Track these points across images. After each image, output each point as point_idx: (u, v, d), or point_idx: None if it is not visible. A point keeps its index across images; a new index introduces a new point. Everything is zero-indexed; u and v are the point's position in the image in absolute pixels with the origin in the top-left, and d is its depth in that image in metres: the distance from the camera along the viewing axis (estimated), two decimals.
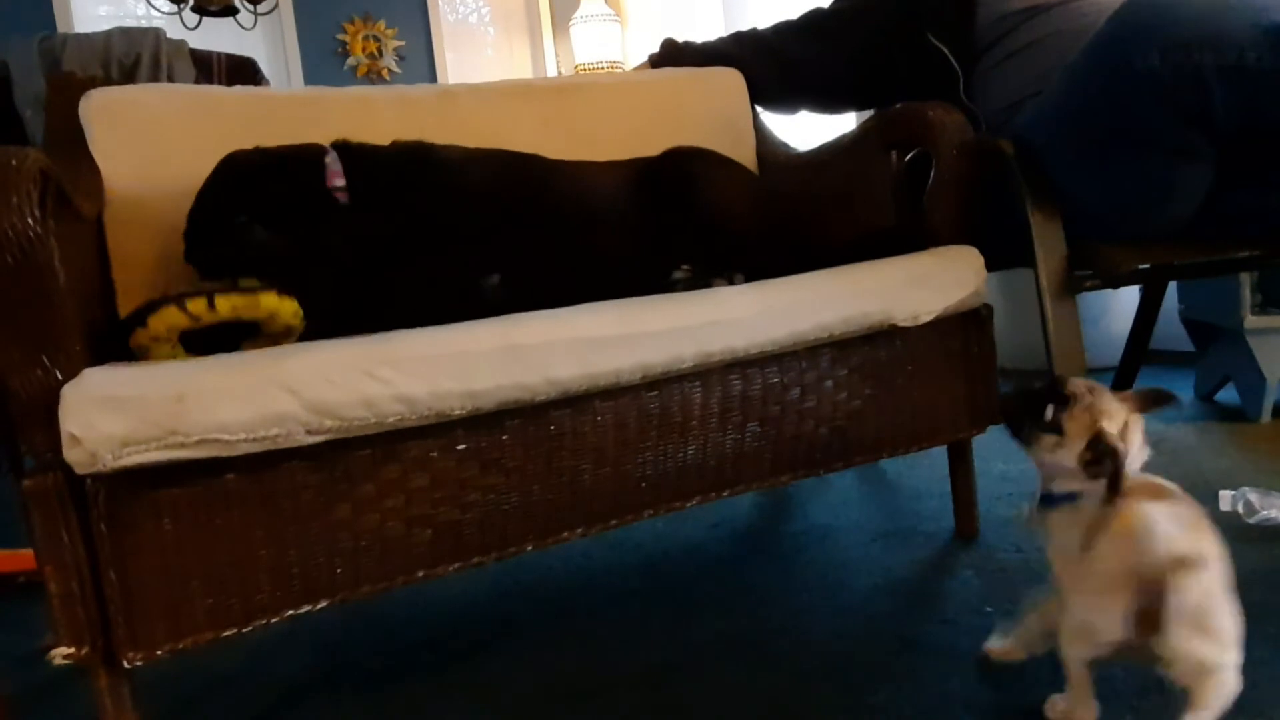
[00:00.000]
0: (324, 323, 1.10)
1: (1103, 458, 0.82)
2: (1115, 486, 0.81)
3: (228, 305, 1.02)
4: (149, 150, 1.28)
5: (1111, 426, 0.84)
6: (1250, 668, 0.92)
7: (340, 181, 1.21)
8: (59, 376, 0.84)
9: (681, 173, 1.38)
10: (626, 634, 1.20)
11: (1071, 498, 0.87)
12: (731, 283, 1.26)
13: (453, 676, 1.14)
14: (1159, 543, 0.78)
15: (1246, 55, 1.04)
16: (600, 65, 4.24)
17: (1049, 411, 0.87)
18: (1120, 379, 2.04)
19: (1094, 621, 0.82)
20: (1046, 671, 1.00)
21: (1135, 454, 0.86)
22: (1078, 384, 0.88)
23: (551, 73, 4.72)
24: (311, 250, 1.18)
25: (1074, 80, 1.23)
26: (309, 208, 1.19)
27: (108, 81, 1.36)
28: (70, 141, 1.25)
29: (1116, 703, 0.91)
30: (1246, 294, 1.82)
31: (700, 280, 1.27)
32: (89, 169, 1.22)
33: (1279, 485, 1.36)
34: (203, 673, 1.21)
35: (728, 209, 1.36)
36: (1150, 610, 0.77)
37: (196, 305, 1.00)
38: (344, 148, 1.25)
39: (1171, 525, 0.79)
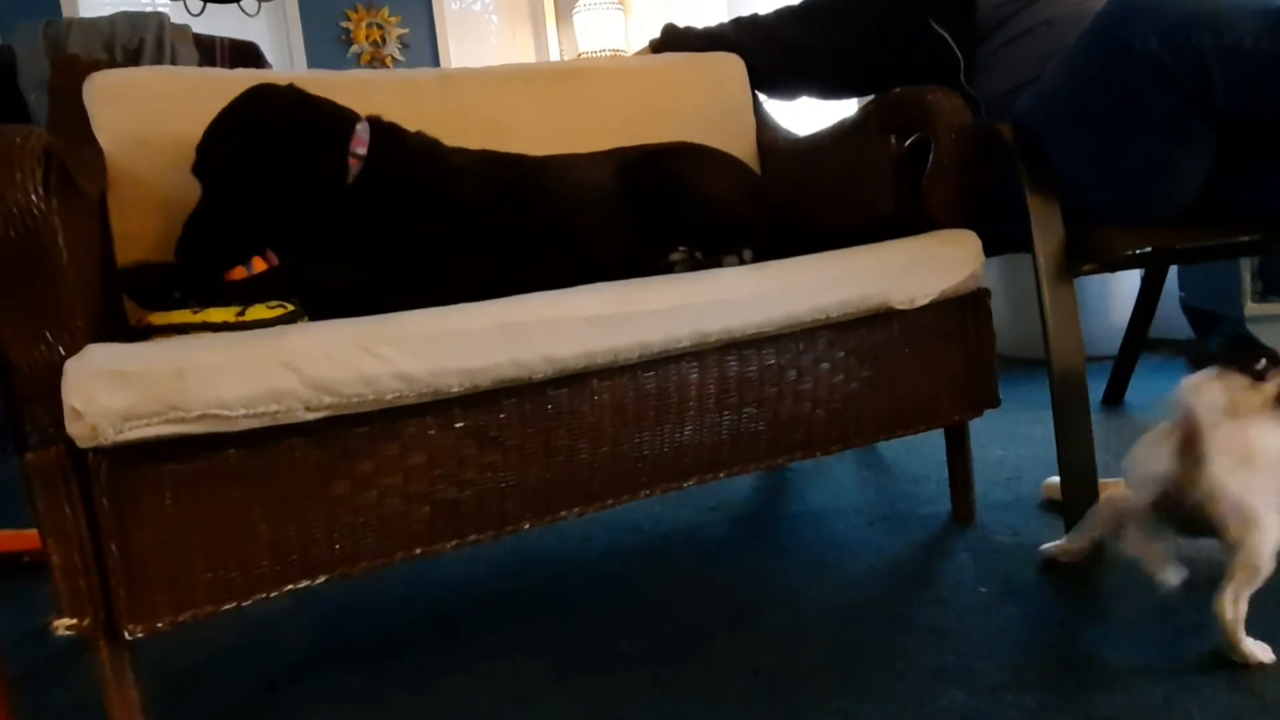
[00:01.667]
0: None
1: None
2: None
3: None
4: (152, 131, 1.29)
5: None
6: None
7: (362, 150, 1.23)
8: (62, 351, 0.84)
9: (669, 172, 1.37)
10: (626, 614, 1.21)
11: None
12: (742, 260, 1.25)
13: (451, 655, 1.15)
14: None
15: (1246, 38, 1.04)
16: (604, 53, 4.24)
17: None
18: (1120, 366, 2.04)
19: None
20: (1044, 660, 1.01)
21: None
22: None
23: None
24: (312, 226, 1.20)
25: (1073, 63, 1.23)
26: (321, 166, 1.21)
27: (111, 64, 1.37)
28: (74, 122, 1.26)
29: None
30: (1247, 281, 1.82)
31: (702, 261, 1.27)
32: (92, 149, 1.23)
33: None
34: (204, 650, 1.22)
35: (719, 204, 1.35)
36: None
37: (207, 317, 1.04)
38: (376, 124, 1.27)
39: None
